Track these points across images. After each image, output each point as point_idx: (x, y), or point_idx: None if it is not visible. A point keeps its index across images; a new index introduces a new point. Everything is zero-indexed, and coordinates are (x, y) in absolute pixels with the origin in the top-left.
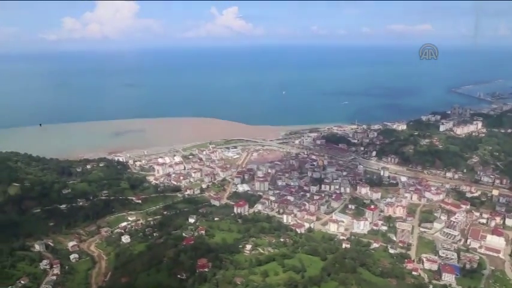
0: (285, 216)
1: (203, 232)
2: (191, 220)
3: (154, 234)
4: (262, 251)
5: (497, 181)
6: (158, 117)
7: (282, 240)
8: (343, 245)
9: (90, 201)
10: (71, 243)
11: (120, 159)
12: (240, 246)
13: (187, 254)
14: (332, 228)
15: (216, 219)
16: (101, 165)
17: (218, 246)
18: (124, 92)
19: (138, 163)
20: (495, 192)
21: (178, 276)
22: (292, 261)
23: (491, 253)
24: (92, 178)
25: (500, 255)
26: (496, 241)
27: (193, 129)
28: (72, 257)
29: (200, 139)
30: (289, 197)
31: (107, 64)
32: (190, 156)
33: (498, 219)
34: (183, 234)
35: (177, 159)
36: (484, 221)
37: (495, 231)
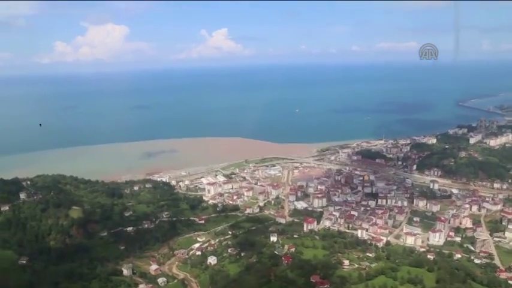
0: (359, 231)
1: (293, 250)
2: (273, 238)
3: (242, 254)
4: (359, 266)
5: None
6: (182, 137)
7: (369, 254)
8: (429, 257)
9: (154, 223)
10: (153, 267)
11: (164, 180)
12: (334, 262)
13: (293, 272)
14: (409, 240)
15: (295, 236)
16: (147, 186)
17: (316, 262)
18: (137, 113)
19: (181, 184)
20: None
21: None
22: (401, 273)
23: None
24: (146, 199)
25: None
26: None
27: (223, 148)
28: (160, 280)
29: (234, 158)
30: (352, 212)
31: (106, 86)
32: (233, 176)
33: None
34: (275, 252)
35: (221, 178)
36: None
37: None
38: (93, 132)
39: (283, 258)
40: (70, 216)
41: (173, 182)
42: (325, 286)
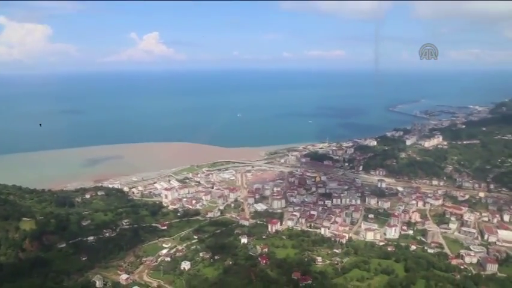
0: (322, 229)
1: (266, 250)
2: (243, 240)
3: (216, 257)
4: (331, 261)
5: (476, 185)
6: (125, 143)
7: (336, 250)
8: (389, 249)
9: (115, 232)
10: (123, 276)
11: (116, 187)
12: (307, 259)
13: (273, 271)
14: (369, 236)
15: (263, 237)
16: (99, 193)
17: (291, 261)
18: (71, 118)
19: (134, 190)
20: (482, 194)
21: None
22: (373, 266)
23: (507, 245)
24: (101, 207)
25: None
26: (506, 234)
27: (169, 153)
28: None
29: (183, 163)
30: (312, 212)
31: (29, 89)
32: (187, 180)
33: (498, 217)
34: (250, 253)
35: (174, 183)
36: (485, 219)
37: (502, 227)
38: (26, 139)
39: (259, 258)
40: (21, 229)
41: (125, 189)
42: (308, 282)
